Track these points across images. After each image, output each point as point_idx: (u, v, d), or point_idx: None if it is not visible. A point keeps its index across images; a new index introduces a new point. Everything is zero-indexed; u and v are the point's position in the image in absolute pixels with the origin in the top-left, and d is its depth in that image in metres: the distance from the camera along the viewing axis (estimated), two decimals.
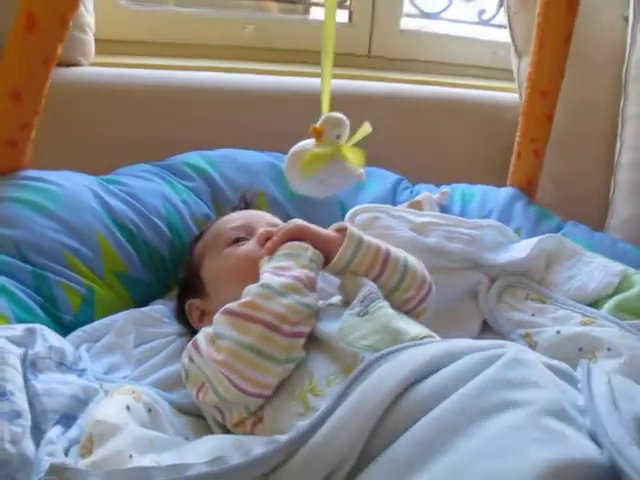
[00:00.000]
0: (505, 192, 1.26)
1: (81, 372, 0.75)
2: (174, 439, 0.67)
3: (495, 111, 1.48)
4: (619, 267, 1.01)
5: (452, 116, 1.47)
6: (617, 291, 0.98)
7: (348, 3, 1.60)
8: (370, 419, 0.59)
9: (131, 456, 0.59)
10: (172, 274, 1.03)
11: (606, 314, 0.94)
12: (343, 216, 1.10)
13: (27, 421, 0.63)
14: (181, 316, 0.93)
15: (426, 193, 1.19)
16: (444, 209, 1.19)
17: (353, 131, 0.85)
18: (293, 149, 0.85)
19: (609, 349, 0.85)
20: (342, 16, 1.60)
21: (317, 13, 1.69)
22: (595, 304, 0.98)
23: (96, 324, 0.90)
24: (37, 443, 0.63)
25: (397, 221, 1.04)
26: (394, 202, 1.19)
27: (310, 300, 0.74)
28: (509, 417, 0.55)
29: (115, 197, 1.02)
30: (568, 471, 0.49)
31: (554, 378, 0.62)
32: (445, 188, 1.23)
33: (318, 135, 0.80)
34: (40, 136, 1.02)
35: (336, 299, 0.84)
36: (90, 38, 1.28)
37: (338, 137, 0.81)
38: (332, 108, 0.86)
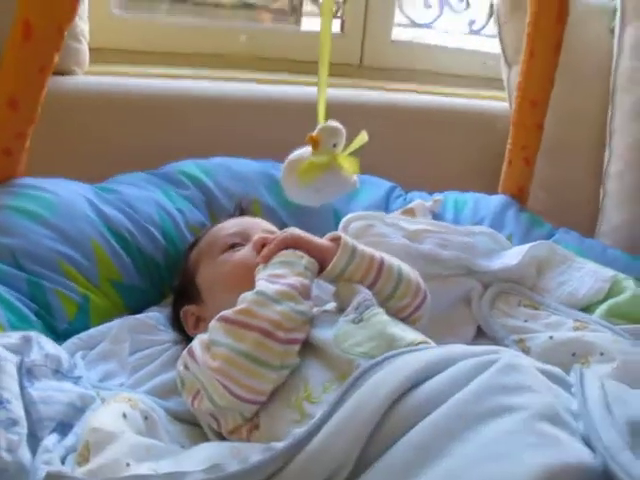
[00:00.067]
0: (497, 199, 1.27)
1: (77, 380, 0.75)
2: (170, 447, 0.68)
3: (486, 120, 1.49)
4: (609, 273, 1.03)
5: (444, 125, 1.48)
6: (608, 296, 1.00)
7: (340, 13, 1.62)
8: (367, 425, 0.59)
9: (128, 464, 0.59)
10: (167, 282, 1.03)
11: (598, 319, 0.95)
12: (337, 224, 1.11)
13: (23, 429, 0.63)
14: (176, 323, 0.93)
15: (419, 201, 1.20)
16: (437, 217, 1.20)
17: (347, 140, 0.87)
18: (290, 158, 0.86)
19: (602, 354, 0.86)
20: (334, 26, 1.61)
21: (308, 23, 1.70)
22: (587, 309, 1.00)
23: (91, 332, 0.90)
24: (33, 451, 0.63)
25: (391, 229, 1.05)
26: (387, 210, 1.20)
27: (305, 307, 0.75)
28: (504, 422, 0.56)
29: (110, 205, 1.02)
30: (562, 475, 0.50)
31: (548, 383, 0.63)
32: (438, 196, 1.24)
33: (315, 144, 0.81)
34: (35, 144, 1.02)
35: (331, 306, 0.85)
36: (84, 47, 1.29)
37: (334, 146, 0.82)
38: (326, 117, 0.87)
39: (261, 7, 1.64)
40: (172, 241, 1.05)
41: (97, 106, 1.27)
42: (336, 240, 0.84)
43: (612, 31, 1.42)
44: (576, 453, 0.53)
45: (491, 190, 1.33)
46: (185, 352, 0.76)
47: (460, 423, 0.57)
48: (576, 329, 0.93)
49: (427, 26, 1.72)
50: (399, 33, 1.69)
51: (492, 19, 1.69)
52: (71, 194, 1.01)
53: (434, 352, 0.68)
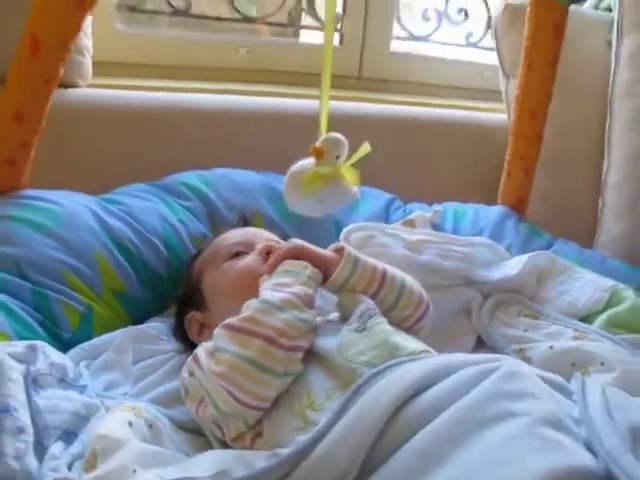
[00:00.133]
0: (496, 210, 1.28)
1: (82, 389, 0.76)
2: (176, 454, 0.68)
3: (484, 131, 1.51)
4: (609, 283, 1.03)
5: (442, 136, 1.49)
6: (607, 306, 1.01)
7: (339, 26, 1.63)
8: (370, 433, 0.60)
9: (135, 471, 0.60)
10: (169, 292, 1.04)
11: (598, 329, 0.96)
12: (338, 235, 1.12)
13: (30, 437, 0.63)
14: (179, 332, 0.94)
15: (419, 212, 1.21)
16: (436, 227, 1.21)
17: (348, 151, 0.88)
18: (293, 169, 0.87)
19: (602, 363, 0.87)
20: (335, 39, 1.63)
21: (306, 36, 1.72)
22: (586, 319, 1.00)
23: (95, 341, 0.91)
24: (39, 459, 0.64)
25: (391, 239, 1.06)
26: (387, 221, 1.21)
27: (308, 316, 0.75)
28: (507, 427, 0.56)
29: (113, 216, 1.03)
30: (566, 479, 0.51)
31: (549, 390, 0.64)
32: (437, 207, 1.25)
33: (319, 155, 0.82)
34: (38, 156, 1.03)
35: (334, 316, 0.85)
36: (87, 60, 1.30)
37: (337, 157, 0.83)
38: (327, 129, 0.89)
39: (260, 20, 1.66)
40: (174, 252, 1.06)
41: (100, 118, 1.28)
42: (339, 251, 0.85)
43: (609, 43, 1.44)
44: (579, 457, 0.54)
45: (490, 201, 1.34)
46: (190, 359, 0.76)
47: (462, 429, 0.58)
48: (576, 339, 0.94)
49: (425, 39, 1.74)
50: (397, 46, 1.71)
51: (489, 32, 1.72)
52: (74, 205, 1.02)
53: (436, 360, 0.69)
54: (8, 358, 0.68)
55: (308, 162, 0.85)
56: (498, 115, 1.53)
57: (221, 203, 1.14)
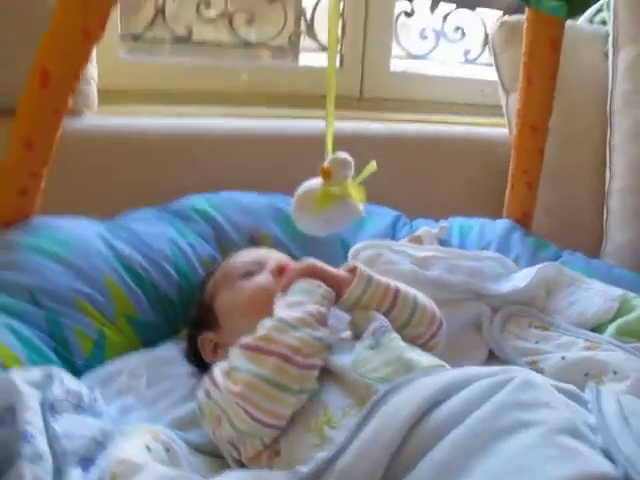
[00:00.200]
0: (502, 224, 1.29)
1: (98, 414, 0.76)
2: (194, 476, 0.68)
3: (487, 146, 1.52)
4: (618, 292, 1.04)
5: (446, 153, 1.51)
6: (617, 315, 1.01)
7: (339, 48, 1.66)
8: (388, 448, 0.60)
9: None
10: (180, 316, 1.05)
11: (609, 338, 0.96)
12: (345, 254, 1.13)
13: (49, 463, 0.63)
14: (192, 355, 0.94)
15: (425, 228, 1.21)
16: (443, 243, 1.21)
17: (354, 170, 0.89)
18: (302, 190, 0.88)
19: (615, 372, 0.87)
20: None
21: (305, 58, 1.75)
22: (597, 329, 1.00)
23: (108, 367, 0.91)
24: None
25: (399, 256, 1.06)
26: (394, 238, 1.22)
27: (322, 334, 0.76)
28: (523, 437, 0.57)
29: (123, 241, 1.04)
30: None
31: (564, 399, 0.64)
32: (443, 222, 1.26)
33: (327, 175, 0.84)
34: (47, 184, 1.04)
35: (346, 334, 0.86)
36: (93, 89, 1.32)
37: (345, 176, 0.85)
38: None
39: (260, 45, 1.68)
40: (185, 276, 1.06)
41: (107, 145, 1.30)
42: (352, 270, 0.86)
43: (606, 55, 1.46)
44: (597, 464, 0.54)
45: (495, 215, 1.35)
46: (206, 379, 0.77)
47: (479, 441, 0.58)
48: (588, 349, 0.94)
49: (424, 57, 1.77)
50: (397, 65, 1.73)
51: (487, 48, 1.74)
52: (84, 231, 1.03)
53: (451, 374, 0.70)
54: (25, 385, 0.68)
55: (315, 182, 0.87)
56: (499, 129, 1.55)
57: (229, 226, 1.15)
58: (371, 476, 0.59)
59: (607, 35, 1.48)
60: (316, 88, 1.48)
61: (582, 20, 1.60)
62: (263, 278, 0.92)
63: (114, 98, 1.42)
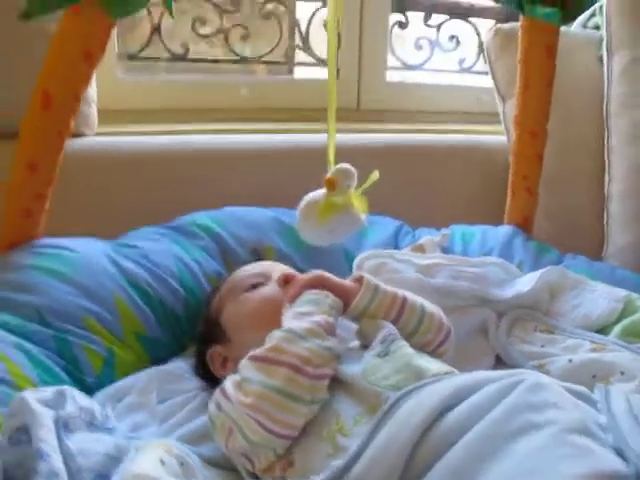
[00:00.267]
0: (504, 230, 1.30)
1: (111, 431, 0.77)
2: None
3: (485, 154, 1.53)
4: (622, 293, 1.04)
5: (444, 162, 1.52)
6: (622, 316, 1.01)
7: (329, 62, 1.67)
8: (401, 454, 0.61)
9: None
10: (187, 333, 1.05)
11: (615, 339, 0.96)
12: (348, 264, 1.13)
13: None
14: (201, 369, 0.94)
15: (428, 237, 1.22)
16: (446, 251, 1.22)
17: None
18: (306, 201, 0.89)
19: (622, 373, 0.87)
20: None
21: (300, 72, 1.76)
22: (602, 331, 1.01)
23: (119, 384, 0.91)
24: None
25: (403, 265, 1.07)
26: (397, 247, 1.22)
27: (331, 343, 0.77)
28: (535, 438, 0.57)
29: (129, 260, 1.05)
30: None
31: (574, 399, 0.65)
32: (445, 230, 1.27)
33: (331, 186, 0.85)
34: (50, 205, 1.05)
35: (354, 344, 0.86)
36: (93, 111, 1.33)
37: (348, 187, 0.86)
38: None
39: (256, 60, 1.70)
40: (191, 291, 1.07)
41: (107, 165, 1.31)
42: (359, 280, 0.86)
43: (600, 59, 1.48)
44: (609, 462, 0.55)
45: (496, 222, 1.35)
46: (217, 392, 0.77)
47: (491, 444, 0.59)
48: (594, 350, 0.95)
49: (419, 67, 1.78)
50: (393, 76, 1.74)
51: (482, 56, 1.76)
52: (90, 251, 1.04)
53: (460, 379, 0.70)
54: (38, 404, 0.69)
55: (319, 193, 0.88)
56: (497, 137, 1.56)
57: (233, 240, 1.16)
58: None
59: (601, 40, 1.49)
60: (313, 101, 1.49)
61: (576, 25, 1.61)
62: (269, 289, 0.93)
63: (113, 118, 1.43)
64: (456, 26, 1.78)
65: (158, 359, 1.01)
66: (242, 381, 0.74)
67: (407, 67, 1.78)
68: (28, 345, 0.87)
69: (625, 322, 0.99)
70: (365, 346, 0.82)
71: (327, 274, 0.87)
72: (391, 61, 1.72)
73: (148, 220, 1.19)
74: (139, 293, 1.01)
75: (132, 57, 1.58)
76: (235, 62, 1.67)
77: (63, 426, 0.70)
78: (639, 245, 1.40)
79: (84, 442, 0.70)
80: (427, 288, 1.02)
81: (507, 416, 0.61)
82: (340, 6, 0.88)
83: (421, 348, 0.84)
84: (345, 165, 0.87)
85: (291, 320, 0.79)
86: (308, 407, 0.72)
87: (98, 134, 1.36)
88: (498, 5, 1.66)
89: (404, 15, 1.73)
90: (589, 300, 1.05)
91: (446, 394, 0.66)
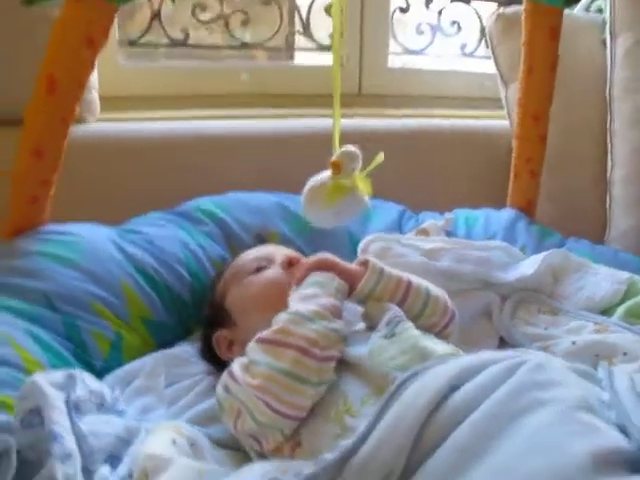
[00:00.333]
0: (507, 213, 1.30)
1: (120, 413, 0.77)
2: (220, 469, 0.69)
3: (488, 138, 1.53)
4: (625, 275, 1.05)
5: (447, 146, 1.52)
6: (625, 298, 1.02)
7: (334, 46, 1.66)
8: (409, 434, 0.61)
9: None
10: (193, 317, 1.06)
11: (618, 321, 0.97)
12: (352, 248, 1.14)
13: (78, 462, 0.65)
14: (207, 353, 0.95)
15: (431, 221, 1.23)
16: (449, 235, 1.22)
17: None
18: (312, 183, 0.90)
19: (625, 354, 0.88)
20: (331, 59, 1.66)
21: (301, 58, 1.76)
22: (605, 312, 1.02)
23: (127, 367, 0.93)
24: None
25: (408, 249, 1.07)
26: (401, 231, 1.23)
27: (338, 325, 0.77)
28: (542, 415, 0.58)
29: (134, 245, 1.05)
30: (610, 459, 0.52)
31: (578, 378, 0.66)
32: (449, 215, 1.27)
33: (337, 168, 0.85)
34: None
35: (359, 327, 0.87)
36: (95, 97, 1.33)
37: (353, 169, 0.86)
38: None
39: (257, 46, 1.69)
40: (197, 276, 1.08)
41: (111, 151, 1.31)
42: (365, 264, 0.87)
43: (604, 42, 1.47)
44: (614, 439, 0.55)
45: (499, 205, 1.36)
46: (225, 374, 0.78)
47: (498, 422, 0.59)
48: (597, 332, 0.95)
49: (421, 52, 1.78)
50: (394, 61, 1.74)
51: (483, 41, 1.75)
52: (96, 237, 1.04)
53: (466, 359, 0.71)
54: (50, 387, 0.70)
55: (324, 176, 0.88)
56: (499, 121, 1.56)
57: (237, 226, 1.16)
58: (395, 462, 0.60)
59: (604, 23, 1.49)
60: (314, 87, 1.50)
61: (578, 8, 1.61)
62: (273, 272, 0.93)
63: (115, 104, 1.43)
64: (457, 10, 1.77)
65: (164, 343, 1.02)
66: (250, 363, 0.75)
67: (409, 52, 1.77)
68: (37, 330, 0.88)
69: (628, 304, 1.00)
70: (371, 328, 0.82)
71: (333, 257, 0.88)
72: (393, 46, 1.72)
73: (150, 206, 1.19)
74: (145, 278, 1.02)
75: (132, 43, 1.57)
76: (235, 48, 1.66)
77: (74, 408, 0.71)
78: None
79: (95, 424, 0.71)
80: (432, 271, 1.02)
81: (513, 395, 0.61)
82: None
83: (426, 331, 0.84)
84: (350, 147, 0.88)
85: (297, 302, 0.79)
86: (315, 389, 0.73)
87: (99, 120, 1.36)
88: None
89: (405, 0, 1.72)
90: (592, 283, 1.05)
91: (452, 374, 0.66)
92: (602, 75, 1.46)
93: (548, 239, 1.23)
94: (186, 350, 0.98)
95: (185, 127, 1.40)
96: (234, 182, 1.29)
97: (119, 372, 0.91)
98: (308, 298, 0.79)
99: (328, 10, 1.50)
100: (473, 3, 1.78)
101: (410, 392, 0.66)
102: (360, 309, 0.87)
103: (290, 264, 0.92)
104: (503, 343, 1.02)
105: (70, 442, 0.66)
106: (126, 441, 0.73)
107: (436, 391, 0.64)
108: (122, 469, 0.68)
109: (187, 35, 1.61)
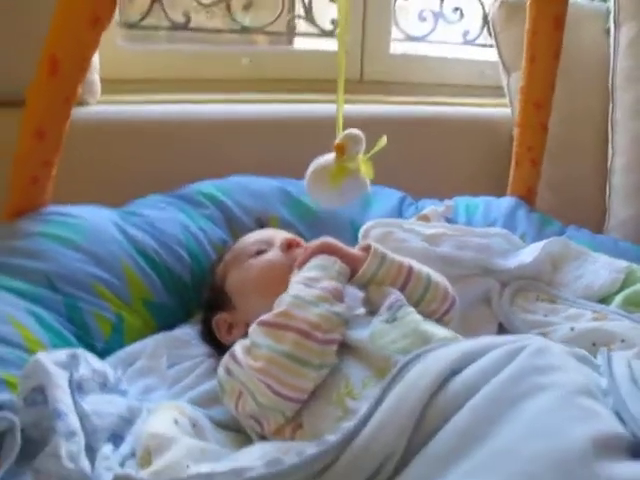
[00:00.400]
0: (507, 201, 1.30)
1: (123, 393, 0.78)
2: (222, 449, 0.70)
3: (489, 126, 1.53)
4: (623, 264, 1.06)
5: (448, 134, 1.52)
6: (623, 287, 1.03)
7: (338, 32, 1.66)
8: (411, 416, 0.62)
9: (188, 466, 0.62)
10: (194, 299, 1.06)
11: (616, 309, 0.98)
12: (353, 233, 1.14)
13: (81, 440, 0.65)
14: (208, 336, 0.96)
15: (432, 207, 1.23)
16: (450, 222, 1.22)
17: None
18: (315, 165, 0.91)
19: (623, 341, 0.89)
20: (333, 45, 1.66)
21: (302, 43, 1.75)
22: (603, 301, 1.02)
23: (129, 349, 0.93)
24: (90, 462, 0.66)
25: (409, 234, 1.08)
26: (401, 217, 1.23)
27: (340, 308, 0.78)
28: (543, 400, 0.59)
29: (135, 227, 1.06)
30: (609, 443, 0.53)
31: (577, 363, 0.66)
32: (449, 202, 1.27)
33: (341, 151, 0.86)
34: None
35: (360, 311, 0.87)
36: (96, 78, 1.33)
37: (357, 152, 0.87)
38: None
39: (258, 30, 1.69)
40: (197, 259, 1.08)
41: (112, 134, 1.30)
42: (367, 249, 0.87)
43: (607, 32, 1.47)
44: (612, 424, 0.56)
45: (499, 193, 1.36)
46: (227, 356, 0.78)
47: (498, 406, 0.60)
48: (595, 319, 0.96)
49: (423, 39, 1.77)
50: (396, 47, 1.73)
51: (486, 28, 1.75)
52: (98, 218, 1.04)
53: (467, 344, 0.71)
54: (54, 366, 0.70)
55: (328, 158, 0.89)
56: (501, 109, 1.56)
57: (238, 209, 1.17)
58: (395, 445, 0.60)
59: (608, 12, 1.49)
60: (314, 72, 1.49)
61: None
62: (272, 255, 0.94)
63: (115, 87, 1.42)
64: None
65: (165, 325, 1.02)
66: (251, 346, 0.75)
67: (411, 39, 1.76)
68: (38, 310, 0.88)
69: (626, 292, 1.01)
70: (372, 313, 0.83)
71: (335, 241, 0.88)
72: (395, 33, 1.71)
73: (150, 189, 1.19)
74: (146, 260, 1.02)
75: (132, 26, 1.56)
76: (237, 32, 1.65)
77: (77, 388, 0.71)
78: None
79: (98, 403, 0.72)
80: (432, 257, 1.03)
81: (513, 379, 0.62)
82: None
83: (426, 316, 0.84)
84: (354, 131, 0.89)
85: (299, 285, 0.80)
86: (317, 371, 0.73)
87: (100, 102, 1.36)
88: None
89: None
90: (591, 271, 1.06)
91: (453, 358, 0.67)
92: (605, 64, 1.46)
93: (548, 227, 1.24)
94: (187, 332, 0.99)
95: (186, 110, 1.40)
96: (235, 166, 1.29)
97: (120, 353, 0.92)
98: (310, 281, 0.80)
99: None
100: None
101: (412, 374, 0.66)
102: (360, 294, 0.88)
103: (289, 246, 0.93)
104: (502, 329, 1.02)
105: (74, 420, 0.66)
106: (129, 420, 0.73)
107: (438, 373, 0.65)
108: (125, 448, 0.69)
109: (188, 18, 1.59)
